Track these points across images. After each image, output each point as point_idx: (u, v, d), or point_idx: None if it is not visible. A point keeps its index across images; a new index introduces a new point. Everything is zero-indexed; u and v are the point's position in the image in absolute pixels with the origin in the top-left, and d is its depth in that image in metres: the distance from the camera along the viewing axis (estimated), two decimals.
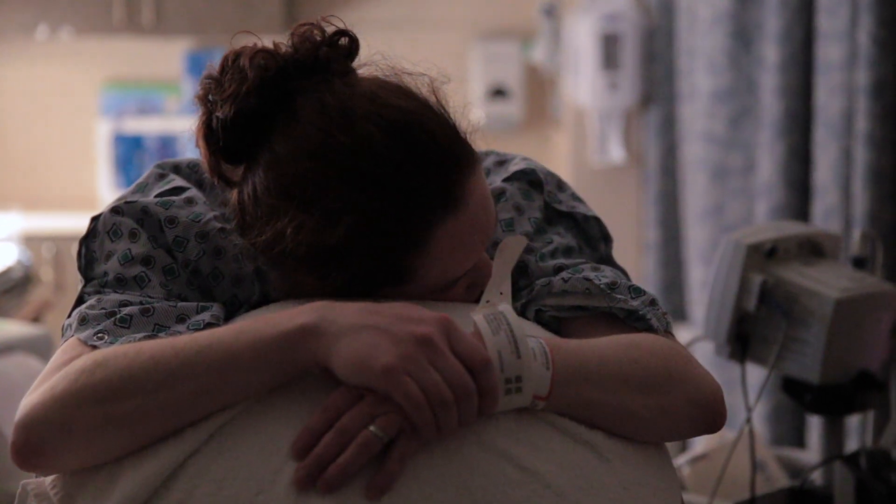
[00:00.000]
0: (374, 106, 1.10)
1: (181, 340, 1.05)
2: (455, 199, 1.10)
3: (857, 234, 1.90)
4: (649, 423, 1.11)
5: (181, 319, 1.12)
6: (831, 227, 2.58)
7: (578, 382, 1.07)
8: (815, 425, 2.71)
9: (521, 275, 1.21)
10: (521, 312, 1.20)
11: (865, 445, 1.81)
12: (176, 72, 4.63)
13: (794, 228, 1.91)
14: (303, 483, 1.00)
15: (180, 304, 1.13)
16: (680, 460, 2.04)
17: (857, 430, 2.34)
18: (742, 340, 1.80)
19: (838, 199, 2.66)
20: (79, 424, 1.03)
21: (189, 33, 4.52)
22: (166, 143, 4.63)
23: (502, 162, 1.31)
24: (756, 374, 2.15)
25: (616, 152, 3.87)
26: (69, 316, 1.15)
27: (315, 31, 1.14)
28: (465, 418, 1.02)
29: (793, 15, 2.82)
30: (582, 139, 3.97)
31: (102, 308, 1.13)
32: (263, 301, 1.18)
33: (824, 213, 2.69)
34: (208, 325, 1.11)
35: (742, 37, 3.08)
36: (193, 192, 1.21)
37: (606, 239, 1.29)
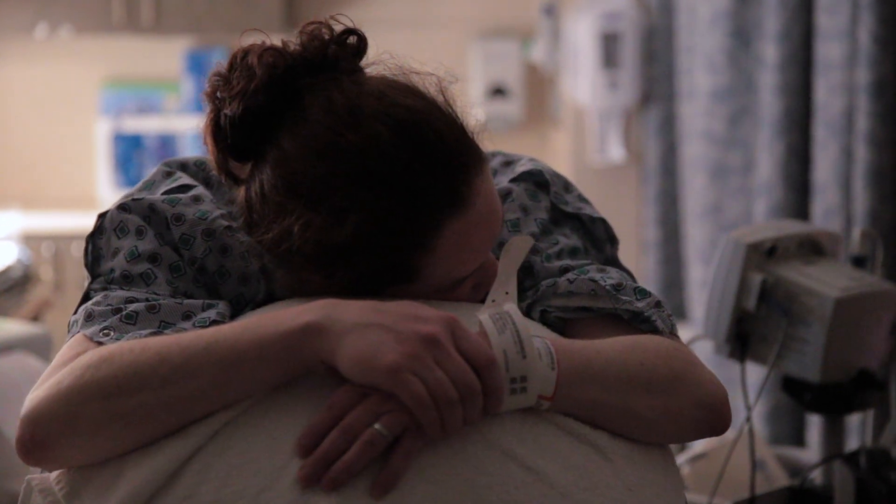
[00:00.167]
0: (382, 105, 1.10)
1: (187, 337, 1.05)
2: (462, 199, 1.10)
3: (857, 233, 1.90)
4: (653, 424, 1.11)
5: (187, 317, 1.12)
6: (831, 227, 2.58)
7: (583, 383, 1.07)
8: (814, 424, 2.71)
9: (527, 275, 1.21)
10: (526, 313, 1.20)
11: (865, 444, 1.81)
12: (175, 71, 4.63)
13: (793, 227, 1.91)
14: (307, 480, 1.00)
15: (186, 301, 1.14)
16: (680, 459, 2.04)
17: (857, 430, 2.34)
18: (742, 339, 1.80)
19: (838, 199, 2.66)
20: (84, 419, 1.03)
21: (188, 32, 4.51)
22: (166, 142, 4.63)
23: (509, 162, 1.31)
24: (756, 373, 2.15)
25: (615, 151, 3.88)
26: (75, 312, 1.16)
27: (323, 30, 1.14)
28: (470, 417, 1.02)
29: (792, 14, 2.82)
30: (581, 138, 3.97)
31: (108, 304, 1.13)
32: (269, 299, 1.18)
33: (824, 213, 2.69)
34: (214, 323, 1.11)
35: (741, 36, 3.08)
36: (200, 190, 1.21)
37: (612, 241, 1.29)
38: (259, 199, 1.13)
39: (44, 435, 1.04)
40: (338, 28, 1.15)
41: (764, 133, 2.95)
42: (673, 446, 1.24)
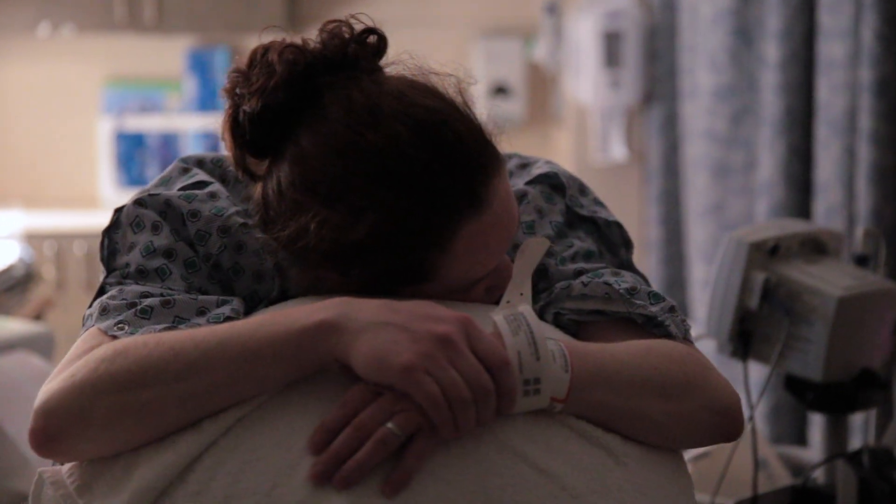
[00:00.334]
0: (401, 104, 1.10)
1: (201, 332, 1.05)
2: (479, 200, 1.10)
3: (859, 232, 1.90)
4: (666, 429, 1.11)
5: (201, 312, 1.12)
6: (833, 226, 2.58)
7: (596, 386, 1.07)
8: (816, 423, 2.71)
9: (541, 278, 1.21)
10: (540, 315, 1.19)
11: (868, 444, 1.81)
12: (177, 69, 4.63)
13: (796, 226, 1.90)
14: (319, 478, 1.01)
15: (201, 297, 1.14)
16: None
17: (859, 429, 2.34)
18: (744, 338, 1.80)
19: (840, 197, 2.65)
20: (97, 412, 1.03)
21: (190, 31, 4.51)
22: (168, 140, 4.63)
23: (525, 165, 1.31)
24: (758, 372, 2.15)
25: (618, 150, 3.87)
26: (90, 306, 1.16)
27: (344, 28, 1.14)
28: (483, 418, 1.02)
29: (793, 12, 2.82)
30: (583, 137, 3.97)
31: (123, 299, 1.13)
32: (283, 297, 1.18)
33: (826, 212, 2.69)
34: (228, 319, 1.11)
35: (744, 34, 3.08)
36: (217, 186, 1.21)
37: (627, 244, 1.29)
38: (276, 195, 1.13)
39: (57, 427, 1.04)
40: (358, 27, 1.15)
41: (765, 132, 2.95)
42: None
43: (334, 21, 1.15)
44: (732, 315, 1.79)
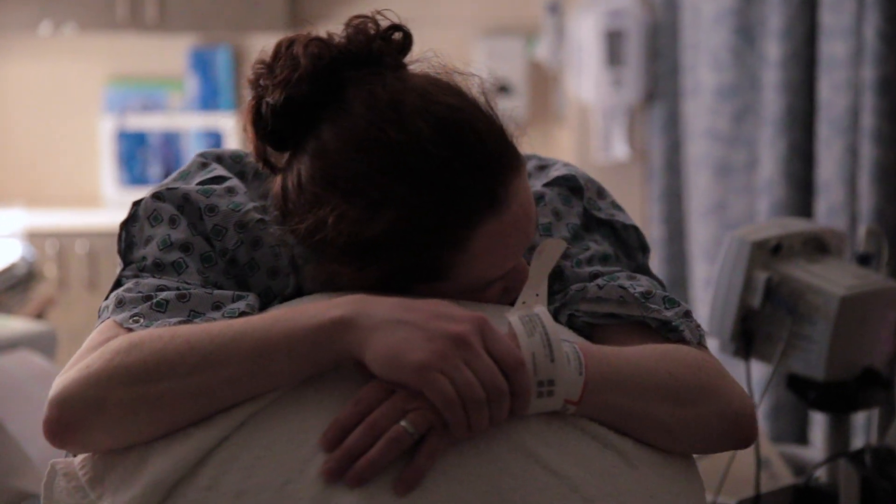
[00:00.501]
0: (424, 102, 1.10)
1: (217, 326, 1.05)
2: (498, 200, 1.10)
3: (862, 230, 1.89)
4: (679, 434, 1.11)
5: (216, 307, 1.12)
6: (835, 225, 2.58)
7: (610, 389, 1.07)
8: (817, 422, 2.71)
9: (556, 279, 1.21)
10: (554, 316, 1.19)
11: (870, 443, 1.81)
12: (179, 68, 4.63)
13: (798, 225, 1.90)
14: (331, 475, 1.01)
15: (216, 291, 1.14)
16: None
17: (862, 428, 2.34)
18: (746, 337, 1.80)
19: (843, 196, 2.65)
20: (111, 403, 1.03)
21: (192, 30, 4.51)
22: (170, 139, 4.63)
23: (543, 166, 1.31)
24: (760, 371, 2.15)
25: (620, 149, 3.87)
26: (106, 298, 1.16)
27: (370, 24, 1.14)
28: (497, 418, 1.02)
29: (795, 11, 2.82)
30: (586, 136, 3.97)
31: (139, 291, 1.13)
32: (297, 294, 1.18)
33: (828, 210, 2.69)
34: (243, 314, 1.11)
35: (746, 33, 3.08)
36: (235, 182, 1.21)
37: (644, 248, 1.29)
38: (295, 188, 1.13)
39: (71, 417, 1.04)
40: (384, 23, 1.15)
41: (767, 131, 2.95)
42: None
43: (360, 16, 1.15)
44: (735, 314, 1.79)
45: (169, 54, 4.63)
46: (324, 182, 1.10)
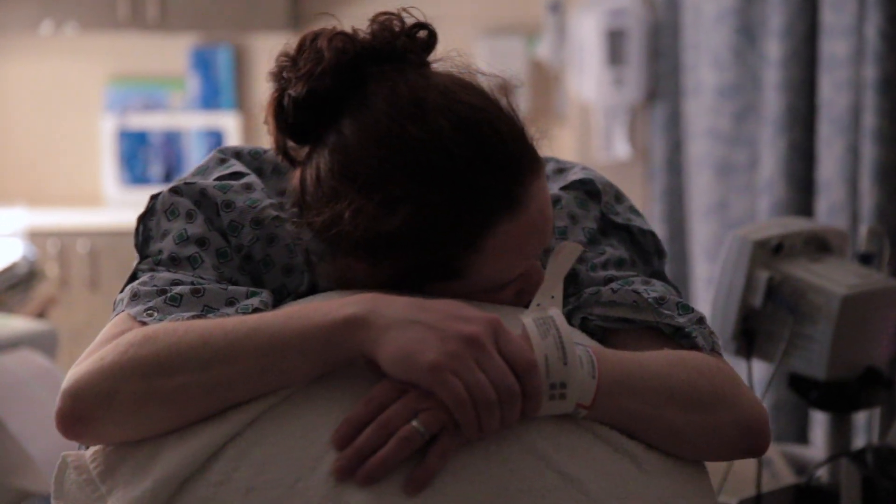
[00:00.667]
0: (445, 100, 1.10)
1: (231, 322, 1.06)
2: (516, 201, 1.10)
3: (864, 230, 1.89)
4: (691, 440, 1.11)
5: (230, 303, 1.13)
6: (836, 224, 2.57)
7: (623, 394, 1.07)
8: (818, 422, 2.71)
9: (571, 283, 1.21)
10: (568, 319, 1.17)
11: (872, 442, 1.81)
12: (181, 68, 4.63)
13: (800, 225, 1.90)
14: (342, 473, 1.01)
15: (231, 287, 1.14)
16: None
17: (863, 427, 2.34)
18: (748, 337, 1.80)
19: (844, 196, 2.65)
20: (124, 396, 1.03)
21: (194, 29, 4.51)
22: (171, 139, 4.63)
23: (562, 170, 1.31)
24: (762, 370, 2.15)
25: (621, 148, 3.87)
26: (122, 291, 1.16)
27: (395, 21, 1.15)
28: (508, 420, 1.02)
29: (796, 10, 2.82)
30: (587, 135, 3.97)
31: (154, 285, 1.14)
32: (311, 291, 1.18)
33: (829, 210, 2.69)
34: (257, 311, 1.11)
35: (747, 32, 3.08)
36: (252, 178, 1.22)
37: (660, 254, 1.29)
38: (314, 181, 1.13)
39: (83, 409, 1.04)
40: (409, 21, 1.16)
41: (768, 130, 2.94)
42: None
43: (385, 13, 1.15)
44: (736, 313, 1.79)
45: (170, 54, 4.63)
46: (342, 176, 1.10)
